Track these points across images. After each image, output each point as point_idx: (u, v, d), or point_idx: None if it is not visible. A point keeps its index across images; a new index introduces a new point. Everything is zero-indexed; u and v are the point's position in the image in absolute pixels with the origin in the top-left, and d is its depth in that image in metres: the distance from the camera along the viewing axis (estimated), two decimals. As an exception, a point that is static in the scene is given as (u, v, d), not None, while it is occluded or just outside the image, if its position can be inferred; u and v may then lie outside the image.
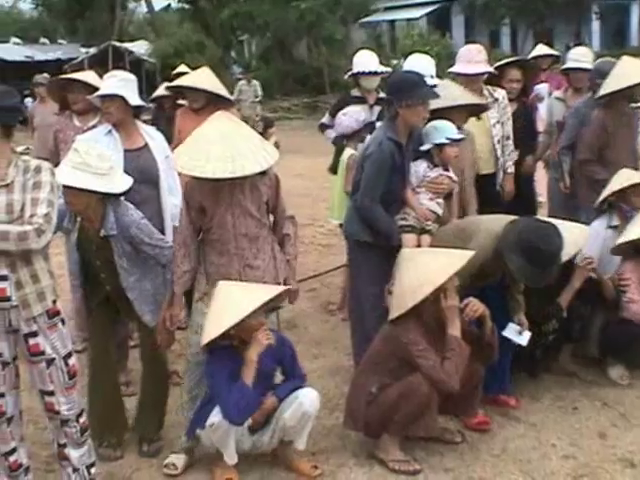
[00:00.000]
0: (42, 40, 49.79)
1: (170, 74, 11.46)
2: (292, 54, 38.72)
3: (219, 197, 5.12)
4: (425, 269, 5.24)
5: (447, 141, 6.06)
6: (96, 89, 6.54)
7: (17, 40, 47.39)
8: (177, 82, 8.00)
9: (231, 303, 4.93)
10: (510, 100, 7.85)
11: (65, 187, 4.99)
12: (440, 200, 6.19)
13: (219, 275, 5.20)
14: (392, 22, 42.97)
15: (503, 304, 5.94)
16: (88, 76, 7.23)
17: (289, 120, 24.00)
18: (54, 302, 4.50)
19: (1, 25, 60.29)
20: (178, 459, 5.32)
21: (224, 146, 4.99)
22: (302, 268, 9.88)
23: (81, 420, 4.72)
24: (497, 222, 5.80)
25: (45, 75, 12.03)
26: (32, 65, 38.91)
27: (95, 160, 5.07)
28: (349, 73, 8.46)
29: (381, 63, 8.57)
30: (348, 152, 7.70)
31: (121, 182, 5.25)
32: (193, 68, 9.28)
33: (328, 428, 5.61)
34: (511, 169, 7.74)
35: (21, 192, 4.31)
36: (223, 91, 7.48)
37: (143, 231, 5.26)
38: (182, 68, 16.27)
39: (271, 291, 5.12)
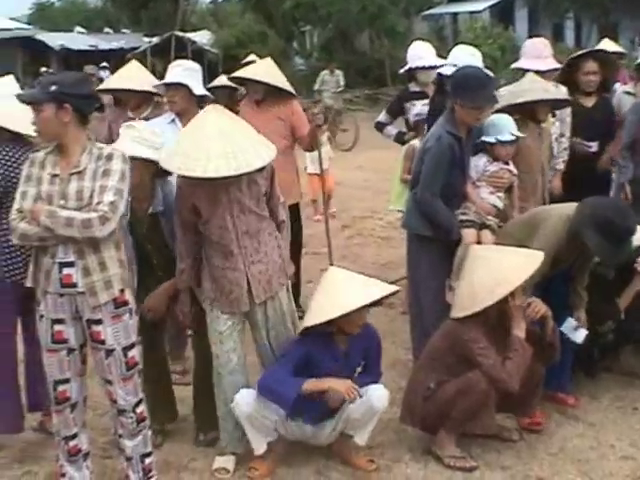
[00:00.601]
0: (106, 29, 50.37)
1: (232, 64, 11.49)
2: (354, 46, 38.58)
3: (216, 197, 4.89)
4: (500, 268, 5.18)
5: (496, 142, 6.04)
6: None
7: (81, 29, 47.95)
8: (237, 73, 7.84)
9: (343, 292, 4.96)
10: (588, 94, 7.64)
11: None
12: (501, 194, 6.16)
13: (226, 279, 5.06)
14: (455, 15, 42.57)
15: (565, 299, 5.86)
16: (133, 76, 7.18)
17: (351, 112, 23.91)
18: (122, 291, 4.51)
19: (66, 14, 60.95)
20: (227, 461, 5.29)
21: (224, 142, 4.75)
22: (360, 260, 9.95)
23: (138, 410, 4.72)
24: (567, 206, 5.70)
25: (93, 66, 11.99)
26: (95, 54, 39.46)
27: (150, 135, 5.18)
28: (405, 68, 8.21)
29: (443, 56, 8.28)
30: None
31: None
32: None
33: (385, 422, 5.58)
34: (560, 166, 7.54)
35: (92, 179, 4.37)
36: (283, 83, 7.44)
37: None
38: (251, 58, 16.35)
39: (384, 289, 5.13)
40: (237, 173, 4.71)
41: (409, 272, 6.60)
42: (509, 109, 6.38)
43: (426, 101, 7.79)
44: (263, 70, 7.50)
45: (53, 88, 4.34)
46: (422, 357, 5.57)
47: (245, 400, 5.01)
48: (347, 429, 5.20)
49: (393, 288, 5.22)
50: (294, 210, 7.42)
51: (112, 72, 27.47)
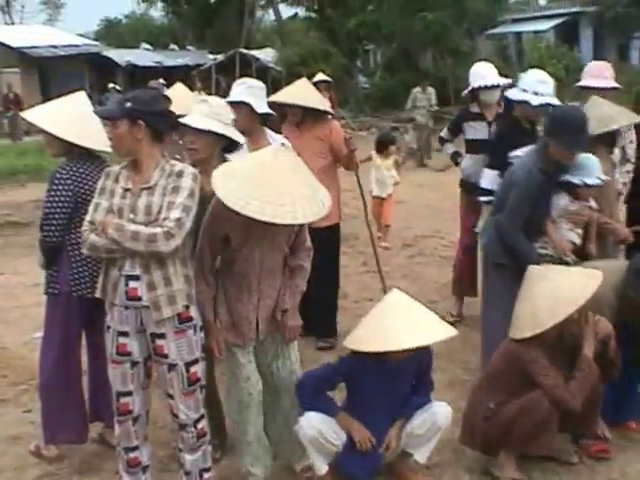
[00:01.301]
0: (171, 46, 50.87)
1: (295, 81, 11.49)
2: (417, 64, 38.55)
3: (250, 230, 4.72)
4: (562, 288, 5.13)
5: (582, 185, 6.01)
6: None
7: (147, 46, 48.51)
8: (273, 97, 7.59)
9: (398, 326, 4.84)
10: None
11: (194, 133, 5.12)
12: (579, 230, 6.14)
13: (236, 311, 4.94)
14: (519, 34, 42.40)
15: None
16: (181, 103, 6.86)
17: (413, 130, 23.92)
18: (187, 307, 4.55)
19: (132, 31, 61.77)
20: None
21: (302, 184, 4.59)
22: (421, 279, 9.91)
23: (199, 426, 4.75)
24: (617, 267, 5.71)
25: (160, 81, 11.99)
26: (161, 70, 39.84)
27: (222, 110, 5.22)
28: (468, 89, 8.13)
29: (507, 76, 8.33)
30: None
31: (240, 136, 5.36)
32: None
33: (443, 442, 5.53)
34: (620, 186, 7.42)
35: (161, 195, 4.44)
36: (317, 103, 7.44)
37: None
38: (320, 76, 16.30)
39: (439, 333, 4.96)
40: (319, 217, 4.59)
41: (483, 293, 6.61)
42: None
43: (483, 125, 7.87)
44: (298, 92, 7.49)
45: (128, 105, 4.45)
46: (481, 377, 5.55)
47: (309, 423, 5.00)
48: (408, 446, 5.17)
49: (451, 331, 5.00)
50: (333, 231, 7.53)
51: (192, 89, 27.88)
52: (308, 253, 5.12)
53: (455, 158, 8.42)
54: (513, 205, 5.97)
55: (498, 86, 7.91)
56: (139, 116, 4.45)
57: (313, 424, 4.98)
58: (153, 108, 4.51)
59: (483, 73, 8.03)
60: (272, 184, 4.48)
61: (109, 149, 5.24)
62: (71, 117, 5.41)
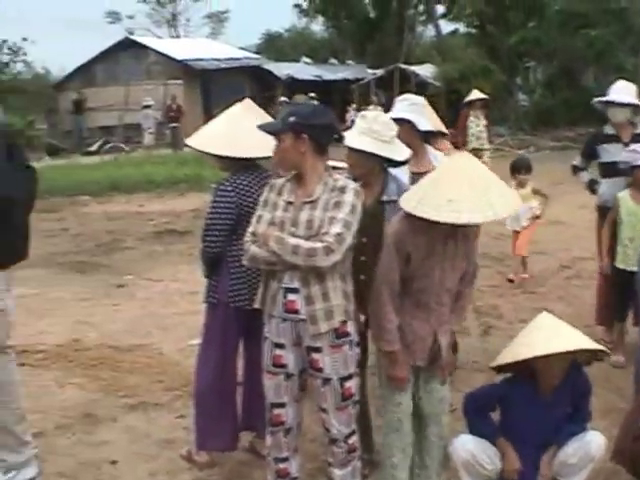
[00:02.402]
0: (331, 60, 51.34)
1: (454, 98, 11.36)
2: (579, 82, 37.85)
3: (433, 249, 4.61)
4: None
5: None
6: None
7: (307, 60, 49.09)
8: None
9: (544, 336, 4.78)
10: None
11: (350, 150, 5.13)
12: None
13: (411, 330, 4.77)
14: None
15: None
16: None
17: (572, 150, 23.40)
18: (344, 323, 4.55)
19: (293, 45, 62.66)
20: None
21: (492, 185, 4.51)
22: (578, 302, 9.71)
23: (350, 441, 4.74)
24: None
25: (303, 95, 11.75)
26: (320, 84, 40.28)
27: (381, 126, 5.16)
28: (600, 99, 7.98)
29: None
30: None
31: (402, 151, 5.31)
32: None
33: (596, 471, 5.31)
34: None
35: (323, 209, 4.46)
36: (437, 126, 7.06)
37: None
38: (475, 94, 16.06)
39: (589, 343, 4.89)
40: (513, 211, 4.60)
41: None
42: None
43: (619, 147, 7.62)
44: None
45: (292, 119, 4.49)
46: (635, 399, 5.42)
47: (463, 446, 4.95)
48: (560, 475, 5.03)
49: (596, 345, 4.92)
50: None
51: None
52: (472, 279, 4.99)
53: (592, 186, 8.18)
54: None
55: (628, 105, 7.71)
56: (303, 130, 4.48)
57: (467, 447, 4.92)
58: (316, 121, 4.54)
59: (618, 89, 7.88)
60: (459, 189, 4.41)
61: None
62: (230, 133, 5.50)
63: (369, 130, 5.11)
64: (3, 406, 5.26)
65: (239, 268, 5.28)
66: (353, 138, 5.10)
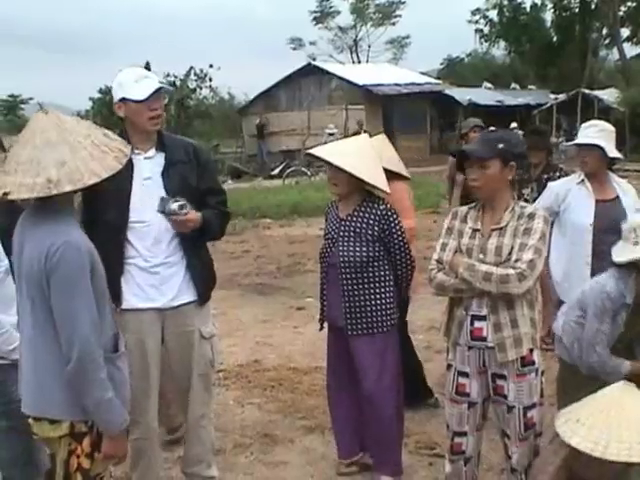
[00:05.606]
0: (512, 85, 50.83)
1: (639, 123, 10.98)
2: None
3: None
4: None
5: None
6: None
7: (488, 85, 48.76)
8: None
9: None
10: None
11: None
12: None
13: None
14: None
15: None
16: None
17: None
18: (531, 351, 4.49)
19: (475, 70, 62.34)
20: None
21: None
22: None
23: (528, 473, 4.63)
24: None
25: (473, 119, 10.73)
26: (501, 110, 39.92)
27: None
28: None
29: None
30: None
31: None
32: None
33: None
34: None
35: (512, 237, 4.42)
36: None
37: None
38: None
39: None
40: None
41: None
42: None
43: None
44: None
45: (500, 146, 4.46)
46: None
47: None
48: None
49: None
50: None
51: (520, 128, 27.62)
52: None
53: None
54: None
55: None
56: (511, 158, 4.47)
57: None
58: (521, 150, 4.55)
59: None
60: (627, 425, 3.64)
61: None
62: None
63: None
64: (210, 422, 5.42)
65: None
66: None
